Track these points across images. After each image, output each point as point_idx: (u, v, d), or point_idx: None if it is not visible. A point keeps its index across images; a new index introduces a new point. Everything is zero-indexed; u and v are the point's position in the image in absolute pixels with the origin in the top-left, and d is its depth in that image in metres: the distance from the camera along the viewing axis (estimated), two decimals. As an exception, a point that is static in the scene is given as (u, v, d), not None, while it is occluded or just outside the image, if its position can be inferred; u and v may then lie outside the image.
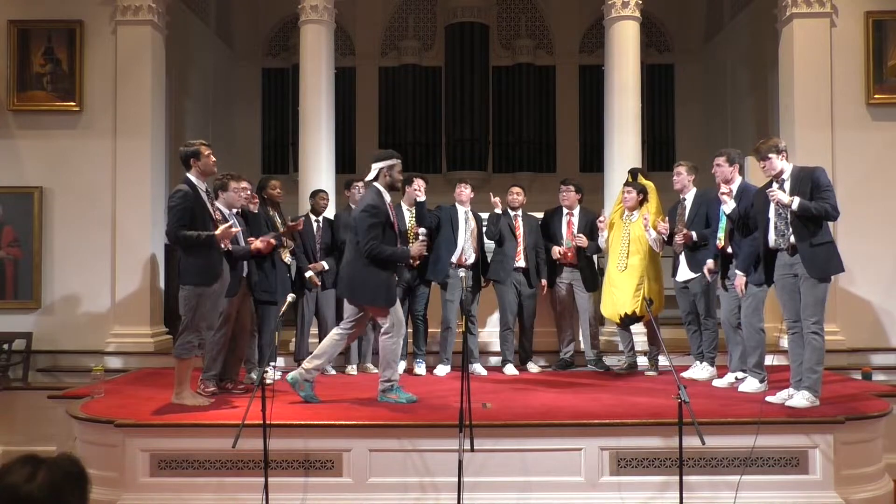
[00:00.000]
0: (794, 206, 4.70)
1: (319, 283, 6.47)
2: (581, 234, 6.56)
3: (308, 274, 6.37)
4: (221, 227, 4.87)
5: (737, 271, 5.32)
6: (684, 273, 5.96)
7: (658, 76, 11.83)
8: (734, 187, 5.48)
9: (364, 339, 6.66)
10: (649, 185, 6.38)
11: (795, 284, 4.84)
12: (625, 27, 7.49)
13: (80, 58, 7.42)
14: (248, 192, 6.05)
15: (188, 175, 4.95)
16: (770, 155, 4.87)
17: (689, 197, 5.98)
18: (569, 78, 11.90)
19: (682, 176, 6.01)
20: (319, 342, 6.57)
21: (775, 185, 4.91)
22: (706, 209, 5.81)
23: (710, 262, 5.67)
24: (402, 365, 6.54)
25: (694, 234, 5.81)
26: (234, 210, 5.62)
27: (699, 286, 5.87)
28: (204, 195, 4.95)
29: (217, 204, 5.48)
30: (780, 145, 4.92)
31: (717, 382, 5.72)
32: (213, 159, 5.04)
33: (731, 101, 10.50)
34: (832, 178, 6.86)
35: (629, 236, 6.19)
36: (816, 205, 4.71)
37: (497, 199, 6.48)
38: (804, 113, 7.24)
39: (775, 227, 4.89)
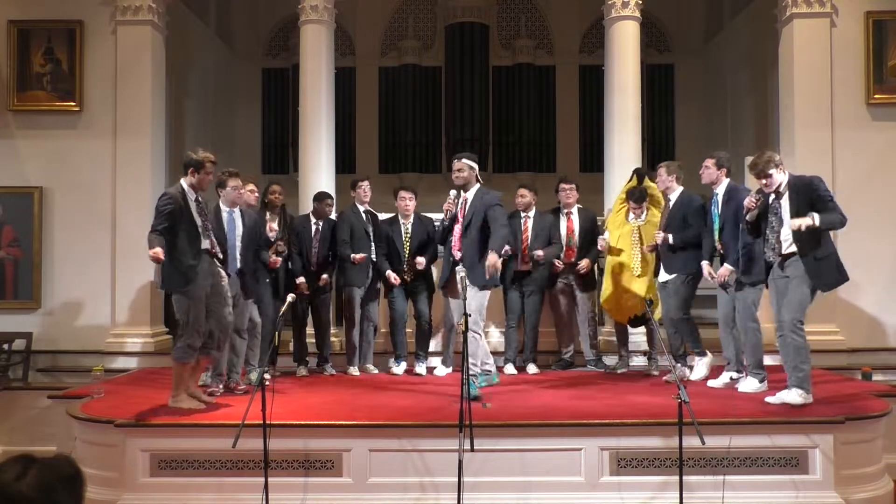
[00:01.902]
0: (817, 222, 4.67)
1: (308, 292, 6.44)
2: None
3: (300, 280, 6.35)
4: (153, 251, 4.62)
5: (727, 265, 5.38)
6: (662, 274, 5.97)
7: (658, 76, 11.81)
8: (720, 189, 5.53)
9: (365, 341, 6.66)
10: (653, 186, 6.34)
11: (787, 287, 4.86)
12: (625, 27, 7.48)
13: (80, 58, 7.43)
14: (256, 195, 6.04)
15: (182, 181, 4.94)
16: (770, 171, 4.86)
17: (673, 198, 5.98)
18: (569, 78, 11.88)
19: (663, 177, 6.02)
20: (316, 343, 6.62)
21: (750, 199, 4.99)
22: (685, 212, 5.83)
23: (707, 266, 5.64)
24: (403, 365, 6.57)
25: (670, 237, 5.80)
26: (236, 208, 5.59)
27: (674, 285, 5.86)
28: (193, 204, 4.91)
29: (220, 204, 5.51)
30: (777, 158, 4.91)
31: (712, 382, 5.72)
32: (211, 178, 5.06)
33: (731, 101, 10.50)
34: (832, 178, 6.94)
35: (640, 239, 6.17)
36: (830, 218, 4.71)
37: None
38: (804, 113, 7.24)
39: (766, 241, 4.94)
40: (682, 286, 5.81)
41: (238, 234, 5.56)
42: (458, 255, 5.48)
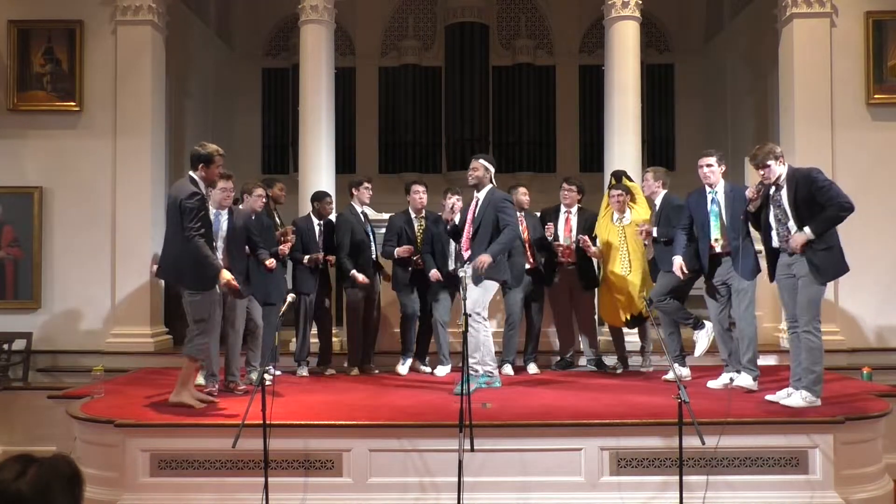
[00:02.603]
0: (810, 234, 4.71)
1: (324, 259, 6.42)
2: (585, 237, 6.49)
3: (307, 258, 6.30)
4: (228, 277, 4.73)
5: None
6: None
7: (658, 76, 11.81)
8: (720, 188, 5.51)
9: (366, 341, 6.65)
10: (634, 186, 6.45)
11: (795, 284, 4.86)
12: (625, 27, 7.48)
13: (80, 58, 7.43)
14: (263, 202, 6.03)
15: (193, 176, 4.88)
16: (769, 162, 4.88)
17: (658, 201, 6.05)
18: (569, 78, 11.88)
19: (650, 182, 6.10)
20: (319, 342, 6.63)
21: (751, 189, 4.96)
22: (669, 213, 5.89)
23: (678, 260, 5.61)
24: (408, 363, 6.56)
25: (655, 230, 5.90)
26: (224, 210, 5.56)
27: (662, 273, 5.91)
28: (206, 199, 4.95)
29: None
30: (777, 151, 4.92)
31: (712, 383, 5.70)
32: (221, 171, 5.05)
33: (731, 101, 10.50)
34: (832, 178, 6.89)
35: (626, 238, 6.20)
36: (823, 220, 4.70)
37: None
38: (804, 113, 7.24)
39: (777, 233, 4.94)
40: (667, 274, 5.83)
41: (221, 235, 5.48)
42: (466, 255, 5.66)
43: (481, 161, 5.76)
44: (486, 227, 5.59)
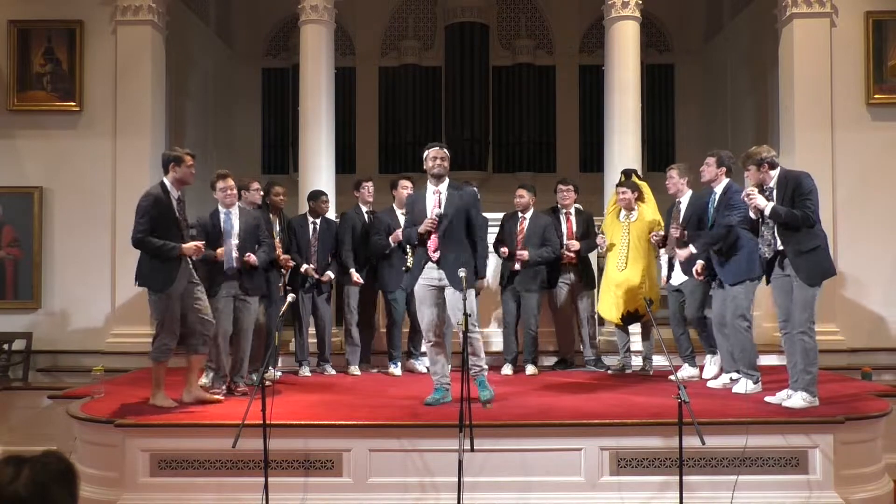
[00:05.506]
0: (766, 210, 4.72)
1: (318, 276, 6.45)
2: (571, 241, 6.53)
3: (304, 267, 6.35)
4: (190, 244, 4.91)
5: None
6: (679, 277, 5.95)
7: (658, 76, 11.80)
8: (718, 189, 5.53)
9: (365, 341, 6.66)
10: (643, 185, 6.41)
11: (789, 284, 4.85)
12: (625, 27, 7.49)
13: (80, 58, 7.43)
14: (261, 194, 6.07)
15: (164, 179, 4.94)
16: (750, 167, 4.90)
17: (685, 200, 5.97)
18: (569, 78, 11.87)
19: (675, 179, 6.02)
20: (317, 342, 6.62)
21: (752, 189, 4.92)
22: (700, 215, 5.79)
23: (699, 265, 5.64)
24: (399, 366, 6.56)
25: (690, 247, 5.74)
26: (232, 208, 5.55)
27: (689, 287, 5.87)
28: (174, 202, 4.93)
29: (218, 206, 5.50)
30: (762, 156, 4.86)
31: (712, 383, 5.72)
32: (194, 171, 5.03)
33: (731, 101, 10.49)
34: (832, 178, 6.95)
35: (629, 236, 6.19)
36: (788, 211, 4.70)
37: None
38: (804, 113, 7.24)
39: (762, 237, 4.93)
40: (699, 286, 5.81)
41: (235, 232, 5.48)
42: (435, 255, 4.99)
43: (447, 151, 5.16)
44: (458, 225, 5.01)
